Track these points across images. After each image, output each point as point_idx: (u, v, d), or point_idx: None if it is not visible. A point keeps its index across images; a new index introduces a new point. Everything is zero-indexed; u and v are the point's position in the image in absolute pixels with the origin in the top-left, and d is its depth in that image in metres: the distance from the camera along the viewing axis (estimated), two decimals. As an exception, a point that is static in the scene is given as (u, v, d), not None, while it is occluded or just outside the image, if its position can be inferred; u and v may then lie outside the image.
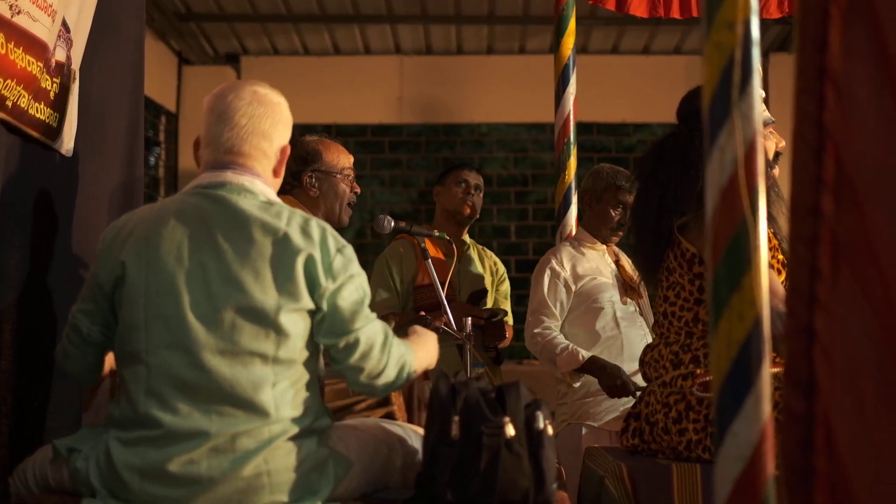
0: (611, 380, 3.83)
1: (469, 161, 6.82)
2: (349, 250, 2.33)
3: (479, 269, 4.50)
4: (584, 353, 3.95)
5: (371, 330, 2.34)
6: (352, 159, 3.54)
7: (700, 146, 2.88)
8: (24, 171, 2.76)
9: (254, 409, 2.23)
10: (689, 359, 2.85)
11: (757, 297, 1.66)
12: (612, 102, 7.94)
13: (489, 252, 4.68)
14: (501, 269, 4.64)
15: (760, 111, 1.68)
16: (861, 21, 1.57)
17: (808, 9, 1.63)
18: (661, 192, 2.96)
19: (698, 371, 2.82)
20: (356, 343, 2.31)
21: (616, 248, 4.35)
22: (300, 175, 3.42)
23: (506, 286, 4.62)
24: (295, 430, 2.27)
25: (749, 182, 1.66)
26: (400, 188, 8.52)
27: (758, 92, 1.67)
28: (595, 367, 3.90)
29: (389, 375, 2.37)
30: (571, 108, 4.50)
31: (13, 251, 2.72)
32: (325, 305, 2.28)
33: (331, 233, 2.32)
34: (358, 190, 3.54)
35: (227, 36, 7.92)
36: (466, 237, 4.53)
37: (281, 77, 7.75)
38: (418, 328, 2.61)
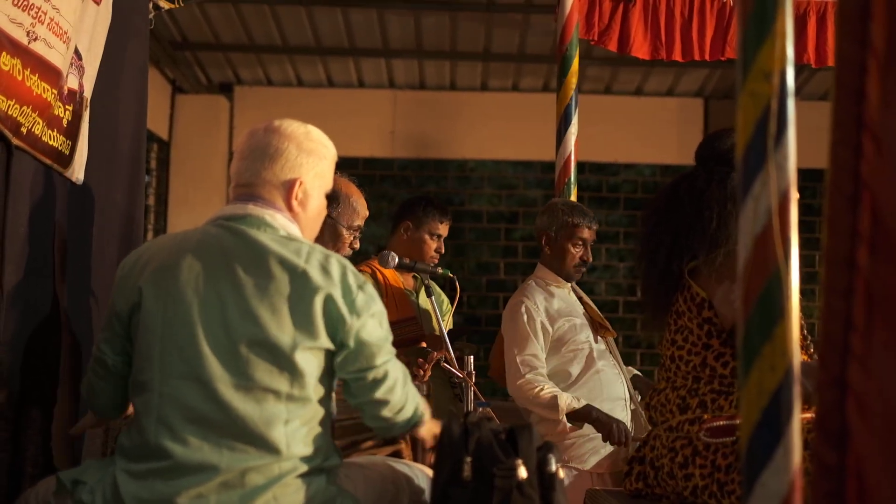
0: (609, 426, 3.85)
1: (455, 198, 6.68)
2: (370, 287, 2.32)
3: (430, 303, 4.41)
4: (579, 401, 3.92)
5: (395, 364, 2.35)
6: (366, 216, 3.53)
7: (717, 190, 2.91)
8: (38, 199, 2.74)
9: (265, 445, 2.21)
10: (696, 403, 2.83)
11: (789, 347, 1.65)
12: (603, 142, 7.97)
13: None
14: (446, 300, 4.55)
15: (795, 161, 1.68)
16: (899, 74, 1.58)
17: (844, 60, 1.63)
18: (673, 234, 2.92)
19: (705, 416, 2.80)
20: (384, 377, 2.31)
21: (574, 286, 4.31)
22: None
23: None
24: (305, 467, 2.25)
25: (783, 232, 1.65)
26: (385, 221, 8.48)
27: (793, 142, 1.67)
28: (594, 415, 3.90)
29: (408, 411, 2.39)
30: (573, 148, 4.52)
31: (30, 278, 2.69)
32: (351, 342, 2.27)
33: (351, 270, 2.31)
34: (357, 247, 3.52)
35: (221, 65, 7.91)
36: None
37: (273, 107, 7.74)
38: None
